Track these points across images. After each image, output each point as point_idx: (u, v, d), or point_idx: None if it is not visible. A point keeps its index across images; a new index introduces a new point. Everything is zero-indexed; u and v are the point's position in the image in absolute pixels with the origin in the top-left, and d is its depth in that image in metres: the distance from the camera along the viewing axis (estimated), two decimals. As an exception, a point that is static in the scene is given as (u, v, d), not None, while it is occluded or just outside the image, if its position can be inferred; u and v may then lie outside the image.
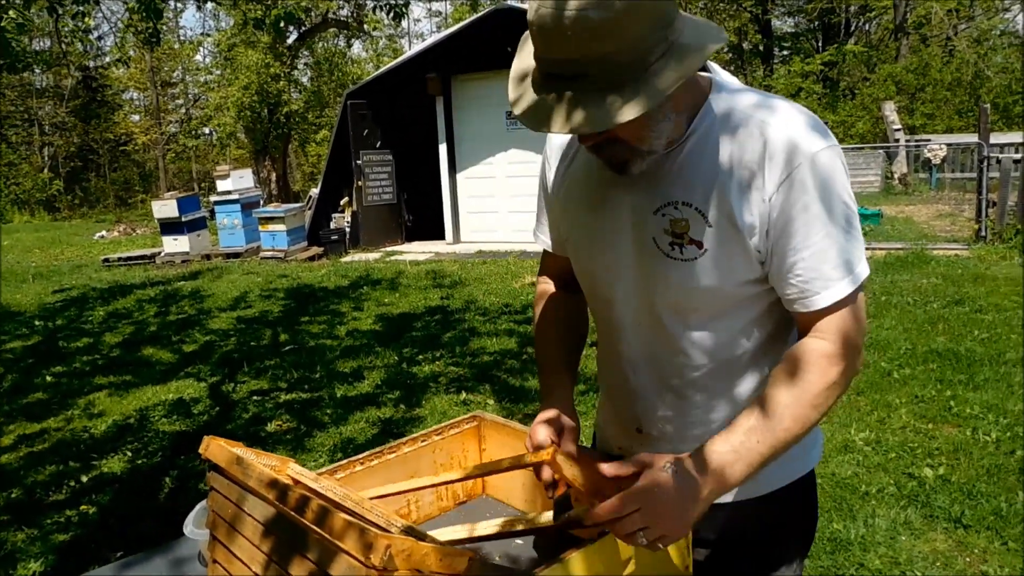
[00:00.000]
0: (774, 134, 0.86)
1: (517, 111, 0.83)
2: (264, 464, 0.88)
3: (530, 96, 0.82)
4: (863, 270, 0.88)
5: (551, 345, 1.09)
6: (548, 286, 1.15)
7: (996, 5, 19.18)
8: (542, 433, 0.94)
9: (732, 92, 0.92)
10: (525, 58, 0.85)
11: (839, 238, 0.86)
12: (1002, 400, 3.43)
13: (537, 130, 0.82)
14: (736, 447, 0.82)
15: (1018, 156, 8.36)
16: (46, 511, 2.89)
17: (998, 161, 7.81)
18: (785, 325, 0.97)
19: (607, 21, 0.74)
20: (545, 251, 1.14)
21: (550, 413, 0.98)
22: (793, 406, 0.84)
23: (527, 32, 0.84)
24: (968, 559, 2.27)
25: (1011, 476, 2.74)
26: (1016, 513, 2.47)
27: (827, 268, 0.86)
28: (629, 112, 0.77)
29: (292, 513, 0.74)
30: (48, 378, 4.70)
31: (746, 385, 0.98)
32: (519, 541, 1.01)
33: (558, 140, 1.07)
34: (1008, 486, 2.67)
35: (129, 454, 3.42)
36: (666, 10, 0.80)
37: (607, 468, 0.83)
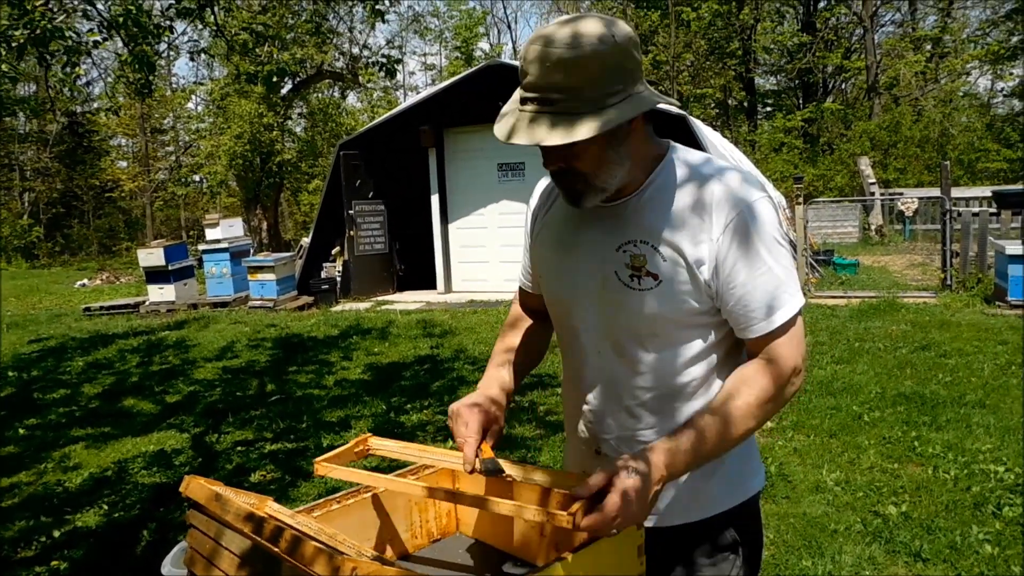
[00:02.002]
0: (719, 187, 1.03)
1: (496, 127, 1.00)
2: (243, 501, 0.91)
3: (509, 115, 0.99)
4: (797, 301, 1.03)
5: (507, 345, 1.25)
6: (521, 312, 1.32)
7: (958, 69, 20.18)
8: (472, 425, 1.08)
9: (686, 153, 1.11)
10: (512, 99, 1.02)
11: (776, 274, 1.01)
12: (961, 439, 3.59)
13: (505, 140, 0.98)
14: (682, 446, 0.96)
15: (976, 209, 8.69)
16: (14, 568, 2.81)
17: (959, 214, 8.12)
18: (729, 359, 1.09)
19: (575, 60, 0.92)
20: (523, 288, 1.31)
21: (482, 399, 1.12)
22: (735, 415, 0.99)
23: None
24: (925, 590, 2.37)
25: (967, 511, 2.87)
26: (970, 546, 2.60)
27: (767, 300, 1.01)
28: (579, 134, 0.93)
29: (266, 544, 0.78)
30: (21, 431, 4.60)
31: (692, 410, 1.07)
32: (487, 574, 1.04)
33: (541, 191, 1.23)
34: (964, 520, 2.80)
35: (106, 507, 3.35)
36: (629, 68, 0.97)
37: (581, 491, 0.91)
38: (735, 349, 1.08)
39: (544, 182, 1.23)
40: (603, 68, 0.93)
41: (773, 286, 1.00)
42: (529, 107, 0.96)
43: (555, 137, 0.93)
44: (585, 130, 0.93)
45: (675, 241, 1.02)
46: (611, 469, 0.91)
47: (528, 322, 1.28)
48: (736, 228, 1.00)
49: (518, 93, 0.99)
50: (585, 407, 1.14)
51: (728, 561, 1.08)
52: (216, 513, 0.89)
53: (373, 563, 0.69)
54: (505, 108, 1.02)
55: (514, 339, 1.26)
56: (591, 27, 0.94)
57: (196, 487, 0.93)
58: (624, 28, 0.97)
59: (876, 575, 2.47)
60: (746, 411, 0.98)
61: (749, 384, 1.00)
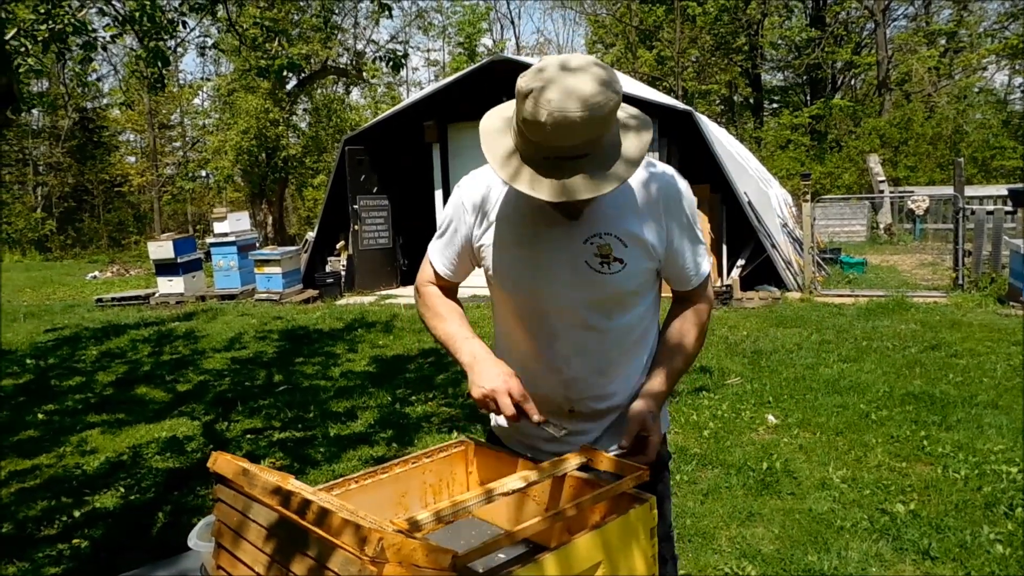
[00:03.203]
0: (654, 179, 1.28)
1: (534, 191, 1.10)
2: (268, 477, 0.95)
3: (538, 177, 1.10)
4: (708, 251, 1.37)
5: (459, 321, 1.38)
6: (436, 289, 1.43)
7: (974, 64, 19.98)
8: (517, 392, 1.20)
9: None
10: (498, 145, 1.15)
11: (700, 239, 1.33)
12: (972, 440, 3.56)
13: (562, 200, 1.10)
14: (669, 379, 1.30)
15: (991, 208, 8.63)
16: (38, 545, 2.89)
17: (972, 212, 8.06)
18: (656, 306, 1.37)
19: (604, 117, 1.06)
20: (436, 273, 1.41)
21: (504, 369, 1.24)
22: (696, 343, 1.35)
23: (487, 127, 1.17)
24: (934, 588, 2.37)
25: (977, 511, 2.85)
26: (980, 545, 2.58)
27: (699, 258, 1.33)
28: (623, 176, 1.11)
29: (294, 516, 0.81)
30: (40, 416, 4.69)
31: (638, 361, 1.34)
32: (501, 555, 1.08)
33: (474, 193, 1.32)
34: (974, 520, 2.78)
35: (122, 490, 3.42)
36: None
37: (626, 441, 1.21)
38: (657, 296, 1.37)
39: (475, 182, 1.33)
40: (612, 113, 1.09)
41: (698, 247, 1.32)
42: (562, 167, 1.08)
43: (605, 187, 1.09)
44: (625, 173, 1.11)
45: (634, 229, 1.25)
46: (639, 418, 1.22)
47: (452, 298, 1.44)
48: (677, 212, 1.28)
49: (533, 149, 1.09)
50: (558, 377, 1.31)
51: (665, 476, 1.43)
52: (243, 487, 0.92)
53: (397, 535, 0.73)
54: (519, 167, 1.11)
55: (463, 319, 1.40)
56: (602, 83, 1.06)
57: (223, 462, 0.97)
58: (614, 73, 1.11)
59: (883, 572, 2.46)
60: (699, 340, 1.35)
61: (698, 323, 1.34)
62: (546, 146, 1.07)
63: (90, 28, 4.14)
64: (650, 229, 1.25)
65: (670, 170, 1.32)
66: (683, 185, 1.31)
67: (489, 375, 1.20)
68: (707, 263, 1.36)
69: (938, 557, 2.52)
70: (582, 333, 1.28)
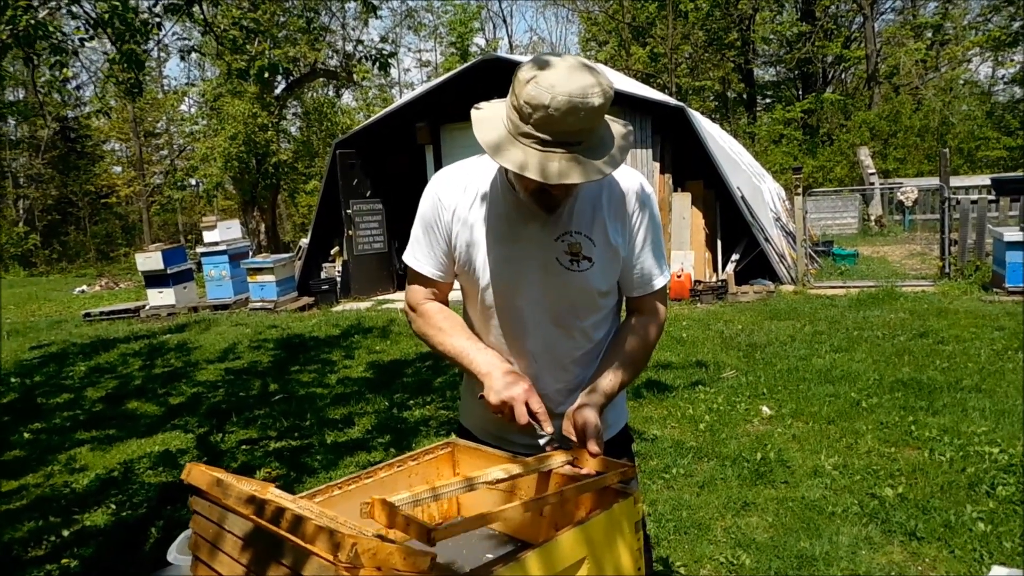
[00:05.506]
0: (627, 183, 1.33)
1: (528, 172, 1.10)
2: (245, 487, 0.93)
3: (531, 160, 1.11)
4: (664, 257, 1.41)
5: (465, 333, 1.35)
6: (434, 305, 1.41)
7: (959, 56, 20.13)
8: (535, 403, 1.22)
9: None
10: (491, 130, 1.16)
11: (662, 246, 1.38)
12: (957, 423, 3.63)
13: (556, 182, 1.11)
14: (615, 383, 1.29)
15: (975, 197, 8.70)
16: (25, 567, 2.84)
17: (958, 202, 8.13)
18: (619, 310, 1.42)
19: (603, 106, 1.10)
20: (426, 280, 1.39)
21: (522, 379, 1.25)
22: (646, 353, 1.37)
23: (480, 111, 1.19)
24: (920, 567, 2.44)
25: (961, 491, 2.92)
26: (963, 524, 2.65)
27: (658, 265, 1.37)
28: (611, 167, 1.13)
29: (268, 524, 0.80)
30: (26, 435, 4.61)
31: (596, 363, 1.36)
32: (489, 555, 1.06)
33: (450, 191, 1.33)
34: (958, 500, 2.85)
35: (113, 507, 3.38)
36: None
37: (593, 448, 1.16)
38: (619, 304, 1.41)
39: (450, 180, 1.34)
40: (607, 108, 1.13)
41: (660, 256, 1.36)
42: (561, 151, 1.11)
43: (599, 172, 1.12)
44: (616, 162, 1.14)
45: (603, 229, 1.29)
46: (585, 420, 1.20)
47: (450, 310, 1.40)
48: (643, 214, 1.33)
49: (530, 131, 1.10)
50: (526, 370, 1.34)
51: (627, 449, 1.49)
52: (217, 498, 0.90)
53: (372, 539, 0.71)
54: (512, 150, 1.12)
55: (468, 330, 1.37)
56: (599, 76, 1.11)
57: (197, 474, 0.95)
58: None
59: (873, 554, 2.51)
60: (645, 360, 1.38)
61: (655, 327, 1.37)
62: (546, 130, 1.09)
63: (54, 30, 4.00)
64: (617, 231, 1.30)
65: (640, 175, 1.37)
66: (651, 191, 1.36)
67: (508, 384, 1.23)
68: (667, 275, 1.39)
69: (924, 537, 2.58)
70: (551, 330, 1.32)
